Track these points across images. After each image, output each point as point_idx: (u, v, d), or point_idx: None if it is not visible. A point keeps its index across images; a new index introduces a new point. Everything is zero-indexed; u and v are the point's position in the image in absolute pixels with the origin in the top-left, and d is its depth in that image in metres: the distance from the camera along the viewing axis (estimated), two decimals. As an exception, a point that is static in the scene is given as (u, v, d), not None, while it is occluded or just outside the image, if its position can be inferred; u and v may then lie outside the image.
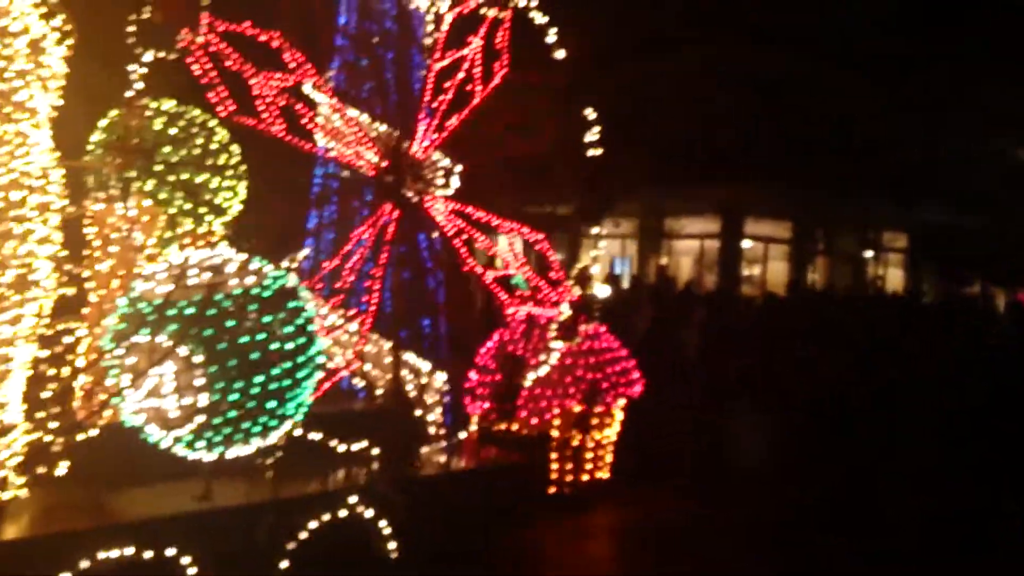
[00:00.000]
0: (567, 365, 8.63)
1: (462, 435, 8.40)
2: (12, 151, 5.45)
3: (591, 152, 8.58)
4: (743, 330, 19.95)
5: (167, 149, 7.44)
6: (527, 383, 8.43)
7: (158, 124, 7.44)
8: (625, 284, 23.18)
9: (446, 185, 8.49)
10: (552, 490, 8.71)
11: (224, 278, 5.77)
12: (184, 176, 7.46)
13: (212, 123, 7.71)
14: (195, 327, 5.53)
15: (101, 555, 5.47)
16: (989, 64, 29.53)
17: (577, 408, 8.66)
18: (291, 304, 5.84)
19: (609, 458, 9.18)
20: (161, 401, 5.60)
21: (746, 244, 27.07)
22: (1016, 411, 15.94)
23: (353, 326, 7.97)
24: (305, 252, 8.35)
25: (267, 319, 5.71)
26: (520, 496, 8.38)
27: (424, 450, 8.16)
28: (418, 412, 8.23)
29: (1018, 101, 29.38)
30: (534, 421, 8.58)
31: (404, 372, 8.07)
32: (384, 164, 7.76)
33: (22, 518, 5.79)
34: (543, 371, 8.42)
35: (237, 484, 6.54)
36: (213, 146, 7.64)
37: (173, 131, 7.54)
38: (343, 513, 6.56)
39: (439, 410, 8.37)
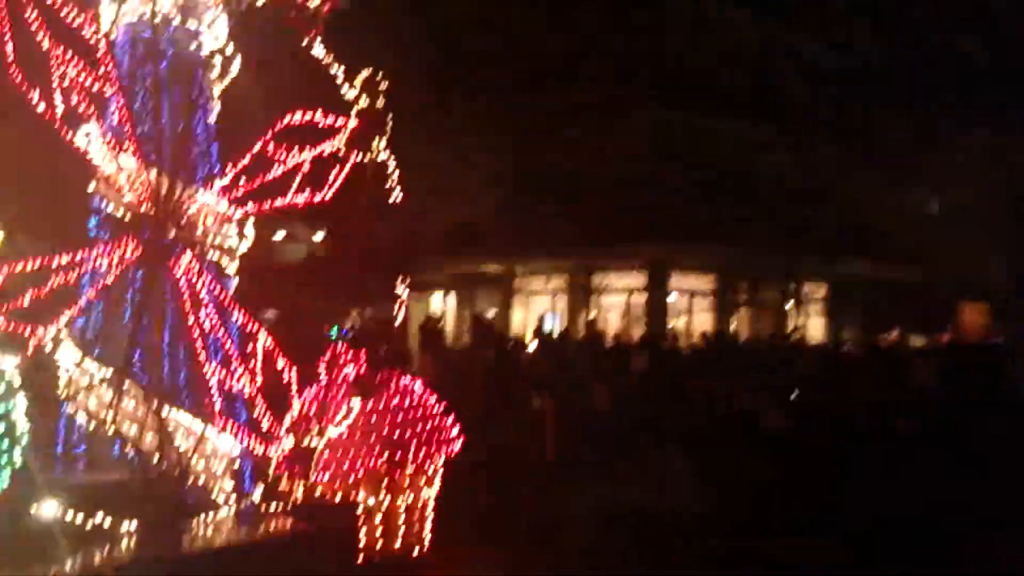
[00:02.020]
0: (371, 423, 7.55)
1: (250, 504, 7.27)
2: None
3: (392, 198, 7.58)
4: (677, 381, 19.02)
5: None
6: (323, 444, 7.31)
7: None
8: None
9: (241, 237, 7.53)
10: (361, 560, 7.55)
11: None
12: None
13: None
14: None
15: None
16: (905, 121, 29.17)
17: (385, 469, 7.54)
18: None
19: (429, 522, 8.05)
20: None
21: (672, 297, 26.21)
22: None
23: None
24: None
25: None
26: (324, 568, 7.24)
27: (203, 522, 7.04)
28: (200, 480, 7.11)
29: (926, 156, 28.95)
30: (337, 485, 7.46)
31: (179, 437, 6.96)
32: (143, 211, 6.75)
33: None
34: (340, 431, 7.32)
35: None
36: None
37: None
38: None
39: (227, 477, 7.24)
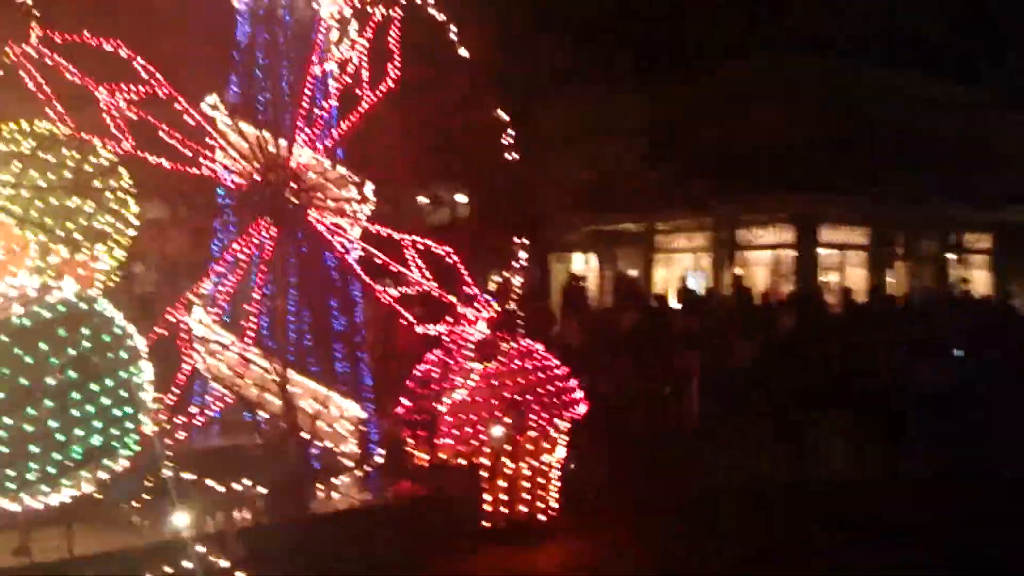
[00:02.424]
0: (492, 387, 7.41)
1: (375, 467, 7.26)
2: None
3: (507, 155, 7.35)
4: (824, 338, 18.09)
5: (34, 173, 6.59)
6: (443, 408, 7.21)
7: (26, 147, 6.60)
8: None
9: (363, 200, 7.45)
10: (486, 524, 7.45)
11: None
12: (54, 201, 6.59)
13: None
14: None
15: None
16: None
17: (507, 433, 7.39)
18: (61, 332, 4.84)
19: (555, 486, 7.88)
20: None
21: (822, 252, 25.02)
22: None
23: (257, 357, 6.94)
24: (212, 279, 7.34)
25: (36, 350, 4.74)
26: (449, 532, 7.17)
27: (329, 485, 7.08)
28: (327, 444, 7.16)
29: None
30: (460, 449, 7.37)
31: (307, 402, 6.98)
32: (257, 177, 6.74)
33: None
34: (459, 395, 7.20)
35: (71, 535, 5.53)
36: (88, 168, 6.75)
37: (47, 155, 6.69)
38: (188, 565, 5.53)
39: (353, 441, 7.24)
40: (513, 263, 7.47)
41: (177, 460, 6.32)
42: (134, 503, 6.11)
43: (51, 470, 4.76)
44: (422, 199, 27.11)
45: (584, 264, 29.57)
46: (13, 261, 6.61)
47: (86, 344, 4.90)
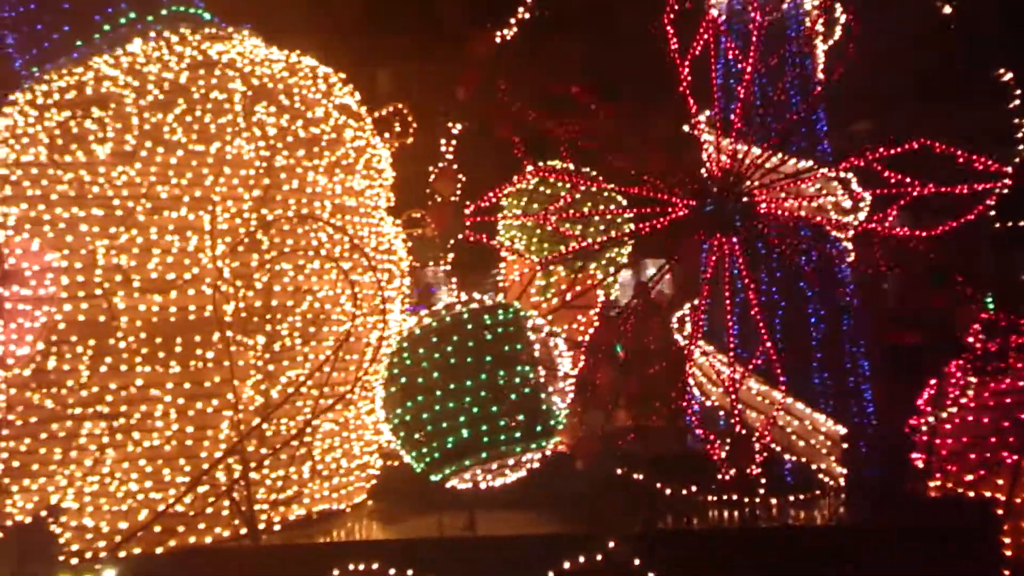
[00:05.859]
0: (1004, 406, 5.86)
1: (859, 488, 6.33)
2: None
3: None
4: None
5: (536, 205, 7.42)
6: (936, 428, 5.96)
7: (532, 183, 7.45)
8: None
9: (855, 198, 6.65)
10: (1006, 573, 5.88)
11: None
12: (548, 228, 7.31)
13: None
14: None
15: (349, 567, 5.74)
16: None
17: (1025, 463, 5.77)
18: (433, 339, 5.44)
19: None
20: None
21: None
22: None
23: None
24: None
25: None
26: (950, 572, 5.85)
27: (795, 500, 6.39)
28: (803, 459, 6.52)
29: None
30: (968, 479, 5.99)
31: (775, 414, 6.45)
32: (721, 183, 6.45)
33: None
34: (949, 414, 5.89)
35: (508, 518, 6.06)
36: (577, 196, 7.33)
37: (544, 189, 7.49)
38: (599, 557, 5.63)
39: (834, 458, 6.44)
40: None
41: (632, 461, 6.43)
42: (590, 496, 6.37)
43: (436, 456, 5.35)
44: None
45: None
46: (524, 282, 7.57)
47: (449, 349, 5.37)
